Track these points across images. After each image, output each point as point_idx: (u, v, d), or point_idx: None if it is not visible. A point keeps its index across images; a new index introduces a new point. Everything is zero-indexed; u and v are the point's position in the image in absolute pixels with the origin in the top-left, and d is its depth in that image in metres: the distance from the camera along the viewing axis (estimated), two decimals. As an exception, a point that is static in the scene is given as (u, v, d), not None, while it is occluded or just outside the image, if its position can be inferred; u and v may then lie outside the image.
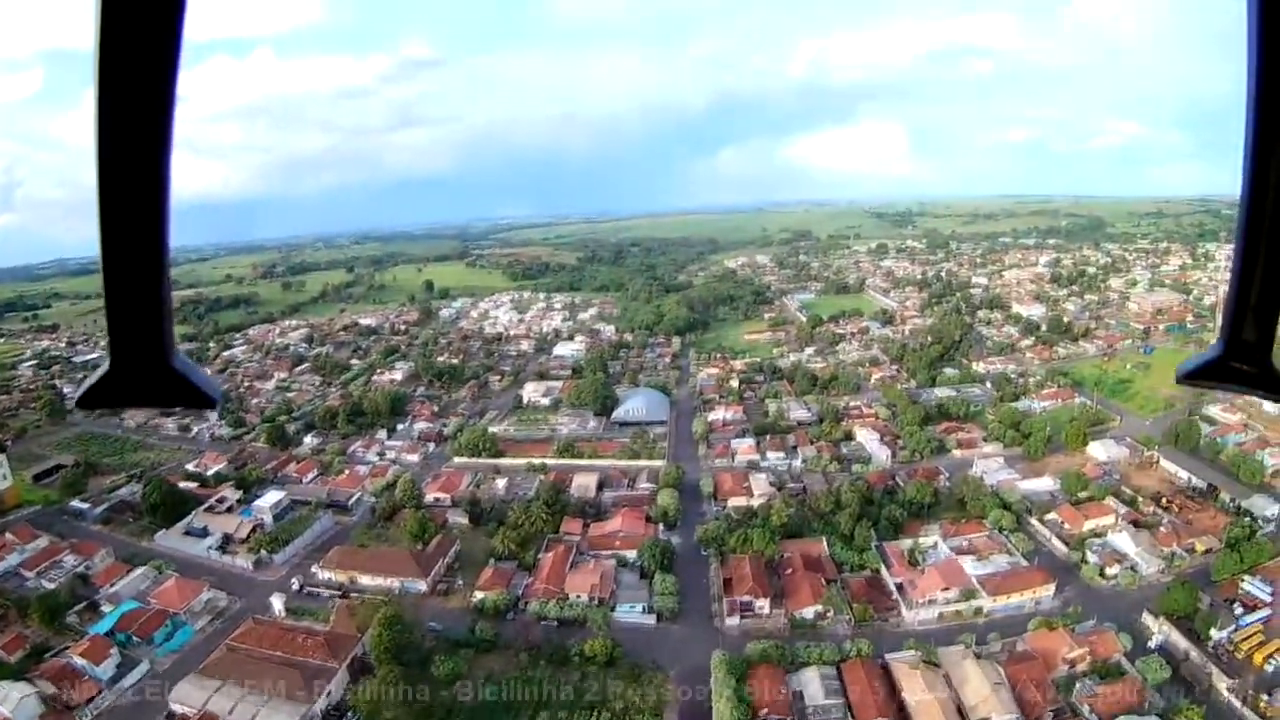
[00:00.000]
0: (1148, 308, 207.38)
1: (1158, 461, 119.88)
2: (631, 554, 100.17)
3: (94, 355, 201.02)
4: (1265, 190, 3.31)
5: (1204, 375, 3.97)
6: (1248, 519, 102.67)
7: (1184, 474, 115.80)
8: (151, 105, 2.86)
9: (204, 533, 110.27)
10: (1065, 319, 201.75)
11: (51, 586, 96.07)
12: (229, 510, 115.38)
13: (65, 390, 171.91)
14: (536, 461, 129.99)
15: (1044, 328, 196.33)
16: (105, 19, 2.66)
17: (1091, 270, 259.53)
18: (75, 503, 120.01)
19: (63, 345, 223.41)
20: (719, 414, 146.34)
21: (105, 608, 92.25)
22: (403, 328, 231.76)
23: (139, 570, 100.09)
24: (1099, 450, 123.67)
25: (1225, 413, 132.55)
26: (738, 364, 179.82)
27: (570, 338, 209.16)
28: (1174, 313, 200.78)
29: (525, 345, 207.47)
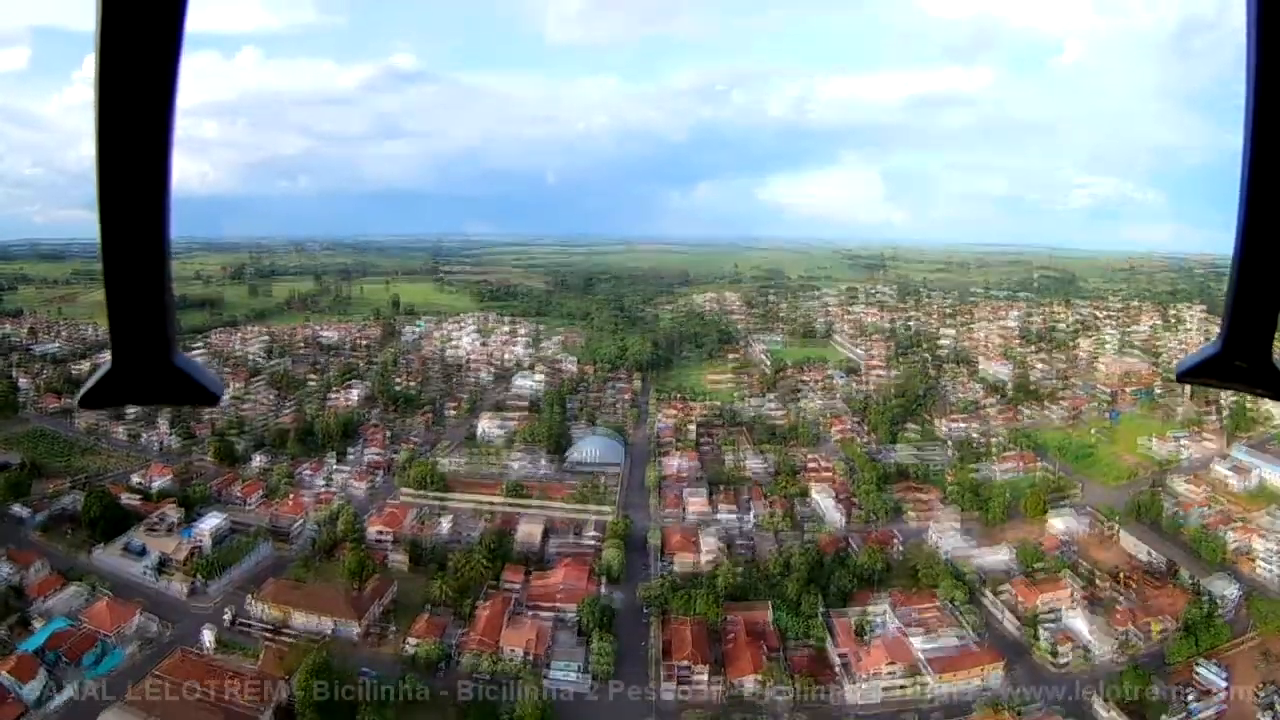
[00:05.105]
0: (1116, 371, 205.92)
1: (1118, 536, 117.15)
2: (571, 611, 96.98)
3: (54, 346, 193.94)
4: (1265, 184, 3.37)
5: (1203, 372, 4.01)
6: (1206, 599, 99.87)
7: (1144, 550, 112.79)
8: (152, 103, 2.93)
9: (142, 552, 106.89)
10: (1032, 380, 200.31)
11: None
12: (169, 530, 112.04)
13: (20, 383, 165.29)
14: (483, 502, 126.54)
15: (1010, 388, 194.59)
16: (106, 16, 2.74)
17: (1061, 329, 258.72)
18: (16, 508, 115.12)
19: (24, 333, 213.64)
20: (674, 462, 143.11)
21: (36, 624, 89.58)
22: (363, 346, 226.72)
23: (72, 587, 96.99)
24: (1058, 521, 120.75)
25: (1190, 487, 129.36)
26: (697, 408, 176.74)
27: (531, 368, 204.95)
28: (1142, 378, 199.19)
29: (485, 375, 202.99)
